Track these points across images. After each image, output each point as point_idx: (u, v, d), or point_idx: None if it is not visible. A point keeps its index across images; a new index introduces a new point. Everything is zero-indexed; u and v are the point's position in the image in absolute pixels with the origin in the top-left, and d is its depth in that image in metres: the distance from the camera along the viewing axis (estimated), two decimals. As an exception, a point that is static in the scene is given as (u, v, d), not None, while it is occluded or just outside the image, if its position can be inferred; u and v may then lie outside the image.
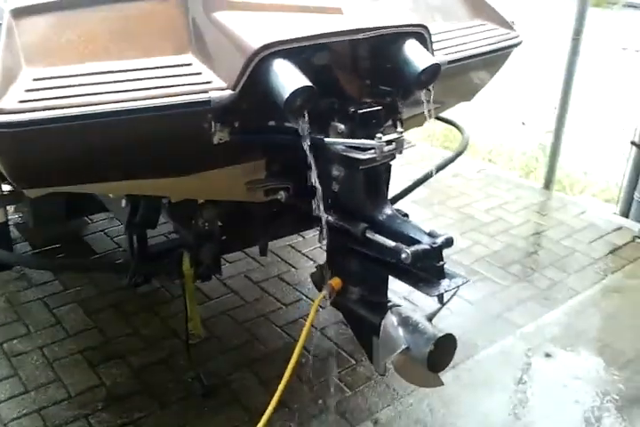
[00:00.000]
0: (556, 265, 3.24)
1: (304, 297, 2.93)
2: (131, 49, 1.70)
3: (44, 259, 2.53)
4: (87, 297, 2.87)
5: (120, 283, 2.89)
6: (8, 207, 2.80)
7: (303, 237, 3.35)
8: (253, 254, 3.19)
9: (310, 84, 1.64)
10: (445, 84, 2.07)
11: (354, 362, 2.57)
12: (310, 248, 3.28)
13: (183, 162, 1.83)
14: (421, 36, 1.94)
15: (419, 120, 2.53)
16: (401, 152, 1.96)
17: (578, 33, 3.58)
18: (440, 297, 1.97)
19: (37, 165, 1.60)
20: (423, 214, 3.57)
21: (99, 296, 2.88)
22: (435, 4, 2.37)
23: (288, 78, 1.65)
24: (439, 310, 2.10)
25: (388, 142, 1.87)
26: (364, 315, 2.09)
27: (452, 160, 2.96)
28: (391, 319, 2.00)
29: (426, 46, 1.94)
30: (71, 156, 1.61)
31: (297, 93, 1.63)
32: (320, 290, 2.13)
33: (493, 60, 2.43)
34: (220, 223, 2.35)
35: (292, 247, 3.30)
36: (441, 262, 1.78)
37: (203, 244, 2.30)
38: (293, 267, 3.15)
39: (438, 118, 3.10)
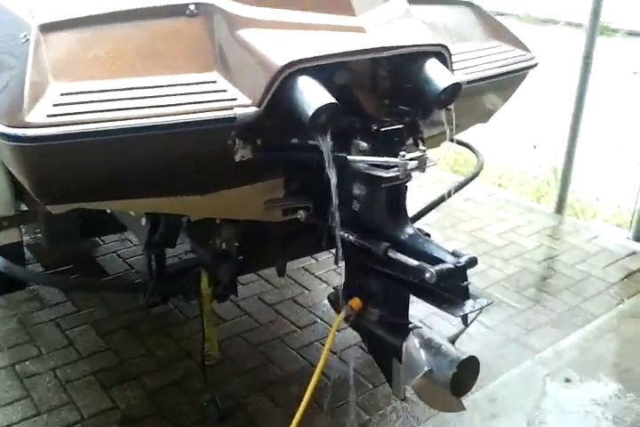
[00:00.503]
0: (571, 289, 3.22)
1: (319, 320, 2.90)
2: (156, 66, 1.72)
3: (60, 277, 2.51)
4: (100, 318, 2.85)
5: (134, 304, 2.92)
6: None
7: (316, 260, 3.33)
8: (267, 276, 3.18)
9: (335, 101, 1.65)
10: (463, 104, 2.08)
11: (372, 386, 2.53)
12: (324, 271, 3.26)
13: (205, 180, 1.84)
14: (442, 55, 1.96)
15: (435, 141, 2.55)
16: (424, 170, 1.97)
17: (588, 55, 3.60)
18: (464, 318, 1.96)
19: (63, 181, 1.61)
20: (435, 238, 3.53)
21: (112, 317, 2.86)
22: (451, 25, 2.40)
23: (313, 95, 1.66)
24: (462, 332, 2.08)
25: (412, 160, 1.89)
26: (384, 337, 2.06)
27: (467, 182, 2.96)
28: (413, 341, 1.98)
29: (446, 65, 1.96)
30: (97, 171, 1.62)
31: (322, 110, 1.63)
32: (338, 311, 2.11)
33: (511, 80, 2.45)
34: (237, 243, 2.35)
35: (306, 270, 3.28)
36: (465, 282, 1.77)
37: (220, 263, 2.29)
38: (307, 289, 3.13)
39: (453, 141, 3.12)
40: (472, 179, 2.98)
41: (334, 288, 2.27)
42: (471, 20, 2.49)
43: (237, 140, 1.71)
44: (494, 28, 2.50)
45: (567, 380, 2.61)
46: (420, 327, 2.04)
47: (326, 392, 2.39)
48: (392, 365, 2.15)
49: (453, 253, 1.81)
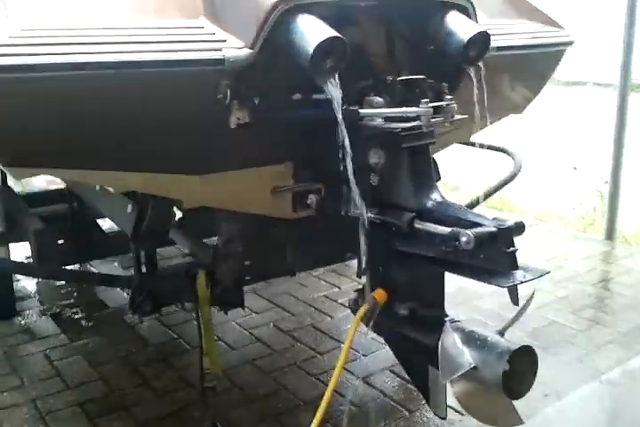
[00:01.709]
0: (633, 309, 2.79)
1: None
2: (136, 12, 1.52)
3: (51, 268, 2.24)
4: (94, 349, 2.51)
5: (131, 334, 2.59)
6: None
7: (339, 288, 2.99)
8: (283, 304, 2.84)
9: (339, 35, 1.40)
10: (496, 79, 1.82)
11: (406, 412, 2.11)
12: (347, 298, 2.89)
13: (197, 152, 1.57)
14: (466, 10, 1.73)
15: (465, 132, 2.28)
16: (452, 123, 1.68)
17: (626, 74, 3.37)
18: (514, 296, 1.59)
19: (17, 131, 1.34)
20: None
21: (106, 348, 2.52)
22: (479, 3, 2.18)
23: (313, 30, 1.41)
24: (514, 320, 1.71)
25: (436, 110, 1.60)
26: (415, 338, 1.71)
27: (505, 184, 2.63)
28: (452, 337, 1.62)
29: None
30: (56, 122, 1.35)
31: (325, 46, 1.38)
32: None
33: (545, 57, 2.19)
34: (241, 245, 2.04)
35: (327, 297, 2.93)
36: (512, 248, 1.44)
37: (221, 262, 1.98)
38: (329, 316, 2.76)
39: (485, 146, 2.83)
40: (510, 180, 2.65)
41: (355, 291, 1.94)
42: (500, 1, 2.28)
43: (230, 95, 1.46)
44: (526, 8, 2.26)
45: (644, 401, 2.15)
46: (459, 321, 1.68)
47: (353, 420, 2.00)
48: (428, 374, 1.78)
49: (495, 219, 1.50)
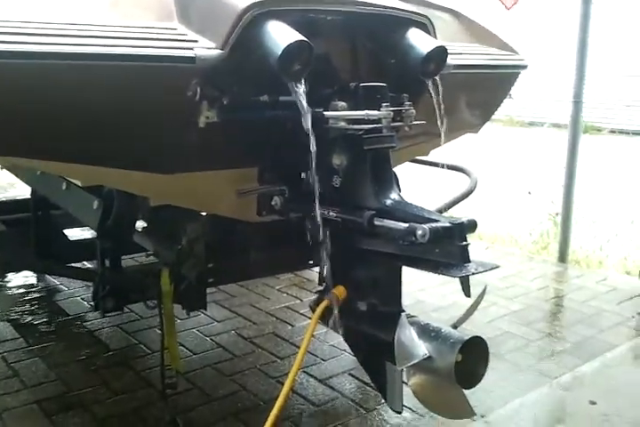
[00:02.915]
0: (584, 322, 2.89)
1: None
2: (111, 12, 1.58)
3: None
4: (53, 352, 2.49)
5: (91, 339, 2.59)
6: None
7: (301, 300, 3.03)
8: (246, 314, 2.87)
9: (306, 39, 1.50)
10: (452, 97, 1.93)
11: (363, 411, 2.15)
12: (308, 309, 2.94)
13: (164, 149, 1.63)
14: (425, 26, 1.85)
15: (423, 147, 2.39)
16: (410, 127, 1.79)
17: (578, 96, 3.56)
18: (467, 285, 1.68)
19: None
20: (428, 280, 3.26)
21: (66, 351, 2.50)
22: (437, 26, 2.31)
23: (281, 34, 1.51)
24: (467, 315, 1.80)
25: (396, 114, 1.71)
26: (373, 333, 1.77)
27: (460, 199, 2.74)
28: (407, 329, 1.69)
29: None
30: (24, 107, 1.37)
31: (292, 48, 1.47)
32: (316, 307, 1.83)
33: (500, 78, 2.33)
34: (204, 247, 2.08)
35: (289, 308, 2.97)
36: (465, 242, 1.53)
37: (185, 261, 2.02)
38: (290, 324, 2.80)
39: (437, 165, 2.95)
40: (465, 196, 2.77)
41: (316, 291, 2.00)
42: (458, 25, 2.42)
43: (200, 94, 1.53)
44: (482, 33, 2.41)
45: (592, 402, 2.23)
46: (415, 316, 1.76)
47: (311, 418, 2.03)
48: (385, 370, 1.83)
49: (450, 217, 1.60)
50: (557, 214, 3.79)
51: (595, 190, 5.47)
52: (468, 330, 2.58)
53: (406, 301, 3.02)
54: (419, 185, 4.07)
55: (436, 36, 1.88)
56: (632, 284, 3.41)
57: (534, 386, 2.32)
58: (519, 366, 2.48)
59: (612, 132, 9.61)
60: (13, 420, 2.04)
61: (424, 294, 3.13)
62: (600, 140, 8.98)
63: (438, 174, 2.95)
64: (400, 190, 2.68)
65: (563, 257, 3.76)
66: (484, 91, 2.33)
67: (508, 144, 8.48)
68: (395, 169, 2.52)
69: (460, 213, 3.03)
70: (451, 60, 1.97)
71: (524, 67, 2.38)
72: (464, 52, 2.16)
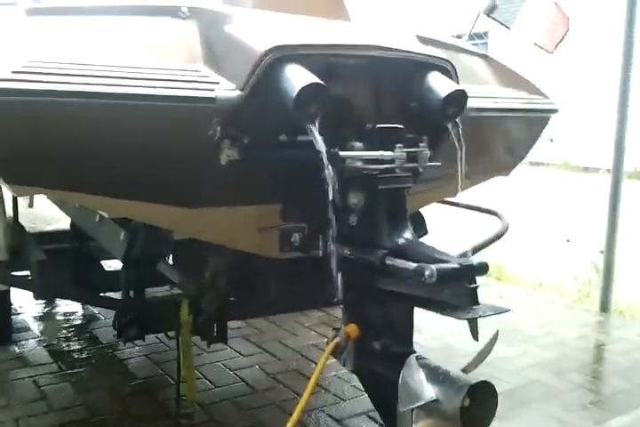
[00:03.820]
0: (621, 375, 2.79)
1: (323, 390, 2.55)
2: (141, 55, 1.67)
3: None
4: (82, 378, 2.57)
5: (120, 366, 2.65)
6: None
7: (328, 338, 3.03)
8: (271, 350, 2.90)
9: (321, 81, 1.57)
10: (478, 142, 1.94)
11: (377, 454, 2.13)
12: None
13: (188, 184, 1.71)
14: (446, 70, 1.89)
15: (450, 189, 2.40)
16: (423, 168, 1.82)
17: (620, 141, 3.52)
18: (474, 328, 1.68)
19: (22, 149, 1.45)
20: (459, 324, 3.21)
21: (94, 378, 2.58)
22: (467, 70, 2.31)
23: (297, 76, 1.58)
24: (479, 360, 1.77)
25: (410, 155, 1.75)
26: (384, 373, 1.77)
27: (492, 241, 2.72)
28: (414, 370, 1.68)
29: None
30: (58, 142, 1.46)
31: (307, 90, 1.54)
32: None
33: (529, 122, 2.34)
34: (227, 281, 2.14)
35: (315, 346, 2.98)
36: (473, 284, 1.53)
37: (205, 293, 2.08)
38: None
39: (469, 207, 2.94)
40: (497, 239, 2.75)
41: (334, 329, 2.02)
42: (488, 69, 2.45)
43: (220, 133, 1.59)
44: (512, 78, 2.41)
45: (618, 458, 2.14)
46: (426, 358, 1.75)
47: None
48: (396, 411, 1.82)
49: (460, 257, 1.61)
50: (601, 252, 3.67)
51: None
52: (493, 376, 2.55)
53: (434, 344, 3.05)
54: (451, 227, 4.07)
55: (458, 80, 1.91)
56: (677, 337, 3.27)
57: (559, 439, 2.25)
58: (545, 416, 2.40)
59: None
60: (35, 442, 2.12)
61: (454, 338, 3.09)
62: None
63: (474, 218, 2.95)
64: (427, 232, 2.71)
65: (605, 306, 3.64)
66: (512, 134, 2.34)
67: (559, 189, 8.33)
68: (421, 210, 2.58)
69: (501, 258, 3.02)
70: (476, 104, 2.00)
71: (555, 111, 2.38)
72: (490, 96, 2.19)
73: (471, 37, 2.65)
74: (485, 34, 12.22)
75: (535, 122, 2.39)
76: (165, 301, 2.14)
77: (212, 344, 2.29)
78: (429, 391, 1.60)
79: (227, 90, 1.57)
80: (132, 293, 2.09)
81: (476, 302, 1.54)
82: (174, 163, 1.61)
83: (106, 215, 1.91)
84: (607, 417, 2.40)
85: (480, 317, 1.59)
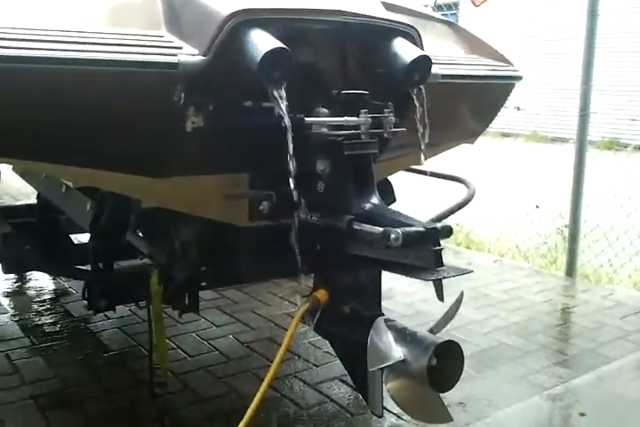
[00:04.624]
0: (584, 336, 2.87)
1: (297, 357, 2.59)
2: (103, 21, 1.65)
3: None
4: (54, 351, 2.57)
5: (93, 341, 2.65)
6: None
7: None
8: (245, 320, 2.92)
9: (285, 46, 1.56)
10: (444, 109, 1.95)
11: (349, 415, 2.17)
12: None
13: (154, 153, 1.69)
14: (411, 37, 1.90)
15: (415, 157, 2.42)
16: (389, 134, 1.83)
17: (584, 108, 3.57)
18: (440, 289, 1.71)
19: None
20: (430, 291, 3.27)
21: (67, 351, 2.58)
22: (431, 36, 2.33)
23: (261, 41, 1.56)
24: (445, 321, 1.81)
25: (375, 120, 1.76)
26: (354, 336, 1.80)
27: (458, 208, 2.76)
28: (382, 331, 1.72)
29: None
30: (17, 112, 1.44)
31: (271, 54, 1.53)
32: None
33: (492, 89, 2.36)
34: (197, 250, 2.14)
35: (288, 315, 3.00)
36: (438, 247, 1.55)
37: (176, 262, 2.08)
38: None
39: (435, 175, 2.96)
40: (463, 206, 2.78)
41: (304, 296, 2.04)
42: (453, 36, 2.45)
43: (184, 100, 1.57)
44: (478, 45, 2.42)
45: (582, 414, 2.22)
46: (394, 320, 1.78)
47: (297, 422, 2.07)
48: (367, 373, 1.86)
49: (426, 222, 1.63)
50: (566, 226, 3.77)
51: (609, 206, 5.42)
52: (463, 339, 2.62)
53: (407, 311, 3.09)
54: (420, 195, 4.11)
55: (422, 47, 1.92)
56: (639, 299, 3.37)
57: (525, 397, 2.32)
58: (512, 376, 2.47)
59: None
60: (8, 414, 2.11)
61: (425, 304, 3.14)
62: (621, 156, 8.86)
63: (441, 185, 2.97)
64: (395, 200, 2.73)
65: (570, 271, 3.74)
66: (477, 101, 2.36)
67: (529, 160, 8.43)
68: (390, 177, 2.60)
69: (470, 226, 3.07)
70: (440, 70, 2.02)
71: (519, 78, 2.40)
72: (456, 63, 2.19)
73: (440, 8, 2.65)
74: (455, 5, 12.15)
75: (500, 89, 2.41)
76: (135, 271, 2.14)
77: (185, 314, 2.29)
78: (397, 352, 1.64)
79: (190, 55, 1.55)
80: (101, 264, 2.09)
81: (441, 264, 1.57)
82: (138, 130, 1.60)
83: (71, 185, 1.89)
84: (572, 376, 2.48)
85: (444, 278, 1.62)
